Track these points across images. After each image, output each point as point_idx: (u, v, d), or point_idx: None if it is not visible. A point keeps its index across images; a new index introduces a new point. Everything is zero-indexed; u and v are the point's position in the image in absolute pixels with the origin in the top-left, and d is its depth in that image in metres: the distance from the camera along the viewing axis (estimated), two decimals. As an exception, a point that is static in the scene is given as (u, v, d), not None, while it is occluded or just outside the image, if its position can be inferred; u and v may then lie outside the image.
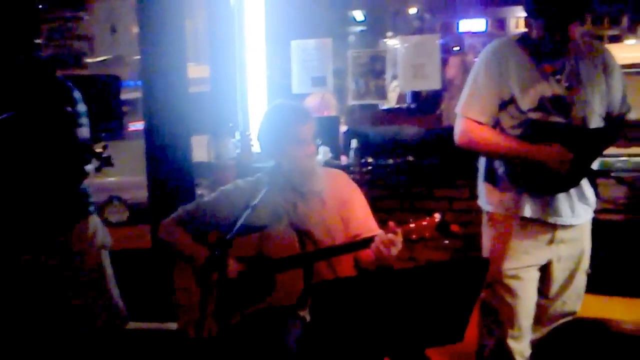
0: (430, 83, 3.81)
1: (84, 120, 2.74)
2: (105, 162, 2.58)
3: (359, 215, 2.55)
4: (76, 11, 4.10)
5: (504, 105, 2.52)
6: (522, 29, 2.56)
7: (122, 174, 4.23)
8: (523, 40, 2.53)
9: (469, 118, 2.56)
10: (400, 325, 1.84)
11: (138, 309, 3.59)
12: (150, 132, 3.87)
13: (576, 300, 2.74)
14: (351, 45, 11.97)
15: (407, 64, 3.79)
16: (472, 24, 18.86)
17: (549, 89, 2.48)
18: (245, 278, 2.43)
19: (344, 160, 3.91)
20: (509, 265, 2.59)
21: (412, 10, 13.84)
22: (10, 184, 2.63)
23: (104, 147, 2.63)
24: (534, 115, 2.48)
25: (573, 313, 2.75)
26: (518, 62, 2.51)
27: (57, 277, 2.74)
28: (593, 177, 2.47)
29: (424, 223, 2.25)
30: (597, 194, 2.60)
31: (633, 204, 3.42)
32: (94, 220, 2.87)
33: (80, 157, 2.65)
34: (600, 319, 2.92)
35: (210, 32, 3.82)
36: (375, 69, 3.84)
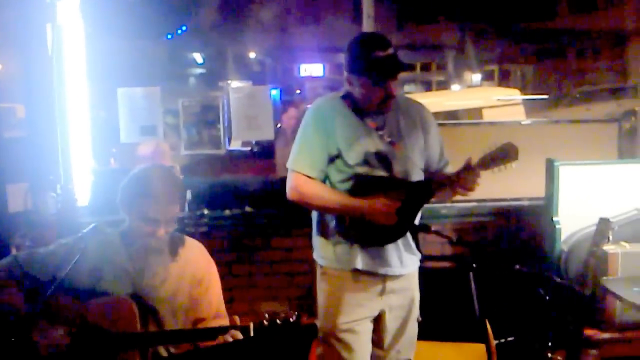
0: (263, 134, 3.79)
1: None
2: None
3: (211, 299, 2.44)
4: None
5: (331, 159, 2.54)
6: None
7: None
8: (347, 98, 2.58)
9: (299, 172, 2.54)
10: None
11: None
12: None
13: (409, 348, 2.78)
14: (189, 88, 11.83)
15: (240, 114, 3.74)
16: (312, 69, 19.60)
17: (373, 144, 2.54)
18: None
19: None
20: (343, 319, 2.57)
21: (252, 55, 14.01)
22: None
23: None
24: (360, 170, 2.52)
25: (407, 361, 2.80)
26: (343, 118, 2.55)
27: None
28: (415, 230, 2.53)
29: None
30: (417, 245, 2.69)
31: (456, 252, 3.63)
32: None
33: None
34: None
35: (26, 76, 3.53)
36: (207, 119, 3.75)
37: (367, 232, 2.52)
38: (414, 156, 2.60)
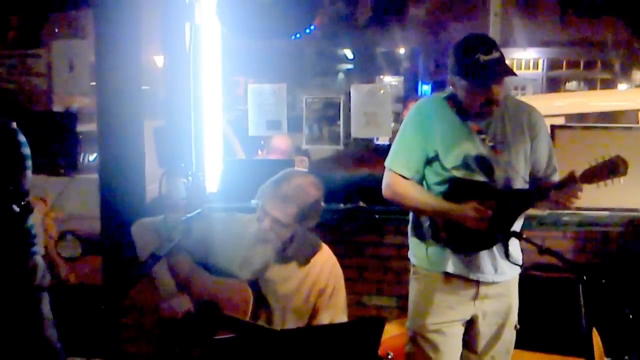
0: (382, 131, 3.86)
1: (29, 163, 2.78)
2: (24, 210, 2.61)
3: (334, 312, 2.50)
4: (34, 49, 4.18)
5: (429, 161, 2.55)
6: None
7: (79, 207, 4.27)
8: (451, 98, 2.57)
9: (394, 172, 2.59)
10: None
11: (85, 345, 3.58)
12: (104, 166, 3.92)
13: (505, 356, 2.73)
14: (340, 83, 12.05)
15: (359, 111, 3.84)
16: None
17: (474, 148, 2.51)
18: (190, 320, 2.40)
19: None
20: (432, 320, 2.59)
21: (402, 50, 13.98)
22: None
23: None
24: (457, 173, 2.51)
25: (502, 368, 2.75)
26: (444, 120, 2.54)
27: None
28: (515, 237, 2.46)
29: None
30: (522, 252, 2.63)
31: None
32: (35, 260, 2.90)
33: (17, 202, 2.70)
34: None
35: (165, 71, 3.88)
36: (327, 115, 3.89)
37: (459, 237, 2.51)
38: (518, 163, 2.54)
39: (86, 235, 4.01)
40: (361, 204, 3.84)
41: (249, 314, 2.36)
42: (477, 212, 2.41)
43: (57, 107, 4.42)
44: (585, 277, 2.71)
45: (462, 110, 2.53)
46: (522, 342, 2.79)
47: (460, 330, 2.63)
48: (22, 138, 2.76)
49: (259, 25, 3.82)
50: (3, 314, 2.80)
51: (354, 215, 3.80)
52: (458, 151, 2.51)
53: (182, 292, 2.44)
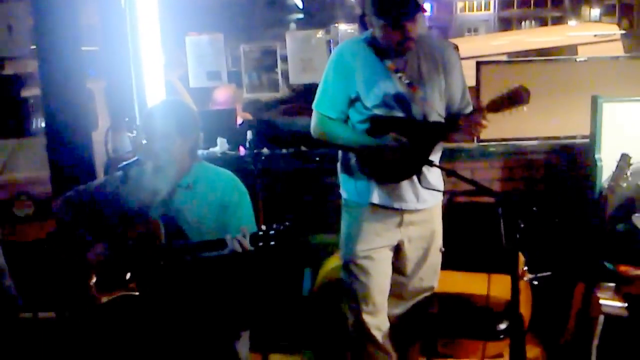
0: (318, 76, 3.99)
1: None
2: None
3: (239, 222, 2.62)
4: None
5: (352, 102, 2.72)
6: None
7: (30, 170, 4.37)
8: (369, 39, 2.72)
9: (320, 113, 2.76)
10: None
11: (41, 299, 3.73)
12: (51, 128, 4.00)
13: (432, 276, 2.98)
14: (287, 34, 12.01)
15: (296, 58, 3.98)
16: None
17: (392, 86, 2.67)
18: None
19: (242, 151, 4.10)
20: (361, 247, 2.81)
21: (354, -3, 14.00)
22: None
23: None
24: (377, 112, 2.68)
25: (431, 288, 3.00)
26: (364, 61, 2.69)
27: None
28: (428, 165, 2.66)
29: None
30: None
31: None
32: None
33: None
34: (457, 293, 3.16)
35: (103, 27, 3.95)
36: (265, 64, 4.02)
37: (381, 169, 2.70)
38: (433, 98, 2.71)
39: (40, 197, 4.11)
40: (302, 148, 4.01)
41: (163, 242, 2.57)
42: (395, 141, 2.59)
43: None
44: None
45: (380, 50, 2.69)
46: (449, 263, 3.06)
47: (388, 255, 2.86)
48: None
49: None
50: None
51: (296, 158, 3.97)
52: (377, 91, 2.67)
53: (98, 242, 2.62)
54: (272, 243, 2.43)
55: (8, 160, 4.28)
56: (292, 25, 12.81)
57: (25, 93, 4.47)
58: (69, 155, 3.97)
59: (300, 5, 12.85)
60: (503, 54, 6.67)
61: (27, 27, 4.05)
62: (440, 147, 2.83)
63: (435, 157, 2.78)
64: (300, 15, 12.88)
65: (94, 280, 2.57)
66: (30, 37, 4.07)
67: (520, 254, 3.25)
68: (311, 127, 2.80)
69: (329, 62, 2.79)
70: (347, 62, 2.71)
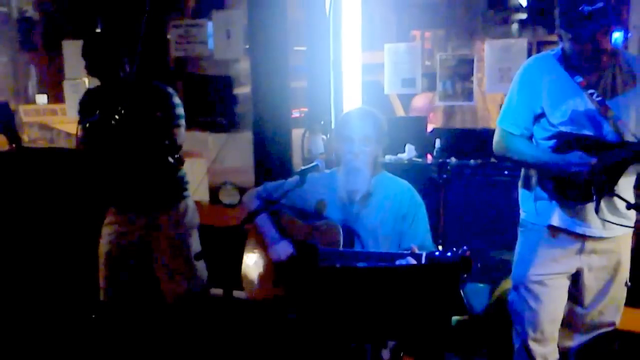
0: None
1: (182, 121, 3.25)
2: (177, 162, 3.10)
3: (416, 233, 2.72)
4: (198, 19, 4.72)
5: (536, 118, 2.61)
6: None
7: (237, 161, 4.81)
8: (560, 54, 2.59)
9: (503, 129, 2.68)
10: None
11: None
12: (257, 125, 4.37)
13: (614, 312, 2.76)
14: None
15: (494, 67, 3.88)
16: None
17: (581, 103, 2.52)
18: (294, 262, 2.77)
19: (429, 159, 4.11)
20: (534, 271, 2.68)
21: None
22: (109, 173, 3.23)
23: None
24: (564, 129, 2.54)
25: (612, 324, 2.77)
26: (551, 77, 2.57)
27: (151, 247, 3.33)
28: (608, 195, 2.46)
29: None
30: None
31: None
32: (187, 203, 3.41)
33: (172, 155, 3.21)
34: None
35: (307, 35, 4.19)
36: (461, 72, 3.97)
37: (565, 189, 2.55)
38: (627, 117, 2.50)
39: (242, 187, 4.49)
40: (492, 159, 3.90)
41: (341, 247, 2.67)
42: (580, 159, 2.45)
43: (216, 72, 4.95)
44: None
45: (570, 65, 2.54)
46: (635, 299, 2.79)
47: (564, 283, 2.69)
48: (176, 100, 3.22)
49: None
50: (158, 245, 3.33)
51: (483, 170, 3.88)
52: (565, 107, 2.53)
53: (283, 239, 2.79)
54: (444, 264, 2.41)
55: (220, 151, 4.73)
56: (515, 26, 12.31)
57: (236, 91, 4.91)
58: (270, 150, 4.32)
59: (524, 4, 12.29)
60: None
61: (242, 31, 4.44)
62: (635, 170, 2.60)
63: (628, 180, 2.57)
64: (524, 16, 12.33)
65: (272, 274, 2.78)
66: (244, 41, 4.47)
67: None
68: (494, 143, 2.73)
69: (515, 77, 2.70)
70: (533, 77, 2.61)
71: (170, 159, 3.22)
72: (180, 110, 3.23)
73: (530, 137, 2.67)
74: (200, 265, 3.40)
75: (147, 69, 3.27)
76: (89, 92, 3.36)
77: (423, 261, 2.42)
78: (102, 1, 4.77)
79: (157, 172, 3.23)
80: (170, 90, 3.24)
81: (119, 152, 3.14)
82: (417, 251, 2.48)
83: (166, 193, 3.31)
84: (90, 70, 3.17)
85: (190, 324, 3.40)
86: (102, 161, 3.23)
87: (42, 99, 6.99)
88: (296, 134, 4.31)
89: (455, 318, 3.35)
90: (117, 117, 3.05)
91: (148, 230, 3.32)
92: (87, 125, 3.13)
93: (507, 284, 3.45)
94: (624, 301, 2.74)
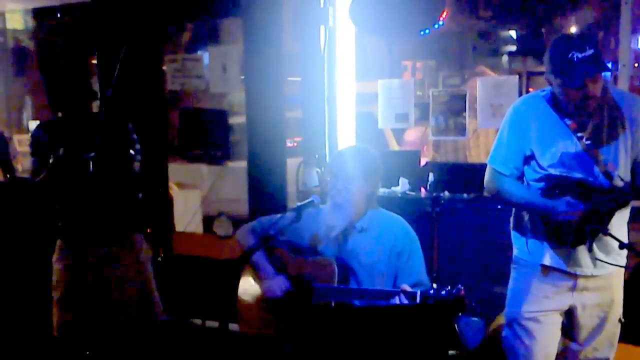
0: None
1: (139, 156, 3.30)
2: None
3: (411, 270, 2.75)
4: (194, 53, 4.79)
5: (526, 159, 2.65)
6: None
7: (232, 192, 4.84)
8: (550, 96, 2.63)
9: (494, 168, 2.72)
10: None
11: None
12: (252, 155, 4.41)
13: (608, 348, 2.78)
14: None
15: (485, 103, 3.95)
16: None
17: (571, 146, 2.56)
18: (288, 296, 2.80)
19: (422, 192, 4.14)
20: (528, 308, 2.70)
21: (573, 29, 13.21)
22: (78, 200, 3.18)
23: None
24: (554, 172, 2.58)
25: None
26: (541, 119, 2.61)
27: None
28: (601, 234, 2.50)
29: None
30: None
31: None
32: (142, 235, 3.42)
33: (136, 186, 3.26)
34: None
35: (302, 72, 4.25)
36: (453, 108, 4.03)
37: (555, 232, 2.59)
38: (617, 158, 2.55)
39: (237, 217, 4.50)
40: (485, 193, 3.93)
41: (336, 282, 2.70)
42: (568, 206, 2.48)
43: (211, 105, 5.01)
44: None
45: (560, 108, 2.59)
46: (629, 335, 2.82)
47: (557, 319, 2.71)
48: (135, 135, 3.26)
49: (389, 24, 4.03)
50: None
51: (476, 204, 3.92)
52: (554, 150, 2.57)
53: (278, 274, 2.82)
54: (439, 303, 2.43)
55: (214, 182, 4.76)
56: (504, 58, 12.46)
57: (231, 121, 4.96)
58: (265, 180, 4.36)
59: (515, 37, 12.45)
60: None
61: (239, 66, 4.51)
62: (627, 210, 2.64)
63: (620, 220, 2.60)
64: (514, 48, 12.49)
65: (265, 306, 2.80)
66: (240, 74, 4.53)
67: None
68: (485, 181, 2.78)
69: (505, 117, 2.75)
70: (522, 118, 2.65)
71: (139, 194, 3.28)
72: (138, 145, 3.28)
73: (521, 177, 2.71)
74: (155, 297, 3.40)
75: (142, 101, 3.31)
76: (42, 126, 3.30)
77: (418, 300, 2.44)
78: (97, 34, 4.79)
79: (118, 206, 3.25)
80: (130, 124, 3.30)
81: (84, 186, 3.08)
82: (409, 290, 2.51)
83: (124, 225, 3.31)
84: (53, 107, 3.19)
85: (148, 354, 3.38)
86: (58, 194, 3.20)
87: (36, 128, 6.99)
88: (291, 163, 4.36)
89: (450, 353, 3.37)
90: (90, 152, 2.99)
91: (103, 262, 3.26)
92: (52, 159, 3.07)
93: (501, 319, 3.47)
94: (617, 337, 2.77)
